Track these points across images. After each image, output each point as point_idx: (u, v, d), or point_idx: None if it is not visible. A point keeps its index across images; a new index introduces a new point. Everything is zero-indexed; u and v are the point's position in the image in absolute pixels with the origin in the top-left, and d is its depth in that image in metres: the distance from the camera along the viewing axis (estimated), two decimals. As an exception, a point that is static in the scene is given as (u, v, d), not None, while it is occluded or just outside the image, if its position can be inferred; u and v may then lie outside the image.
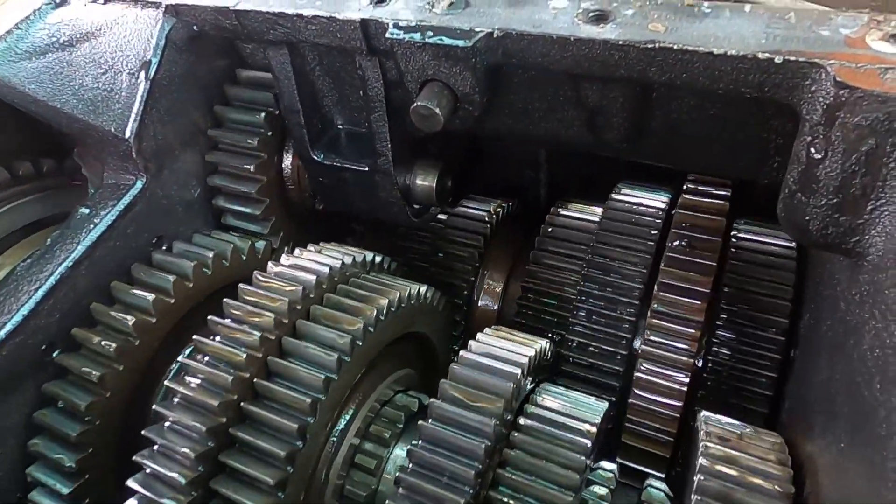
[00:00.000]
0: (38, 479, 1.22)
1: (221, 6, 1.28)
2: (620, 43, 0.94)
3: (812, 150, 0.87)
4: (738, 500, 0.93)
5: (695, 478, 0.98)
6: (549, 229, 1.60)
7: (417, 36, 1.06)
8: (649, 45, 0.92)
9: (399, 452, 1.21)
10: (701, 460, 1.01)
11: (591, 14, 1.00)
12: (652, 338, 1.27)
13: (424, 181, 1.52)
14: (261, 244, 1.53)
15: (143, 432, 1.12)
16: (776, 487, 0.96)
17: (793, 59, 0.85)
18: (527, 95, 1.17)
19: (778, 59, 0.86)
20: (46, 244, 1.30)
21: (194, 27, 1.37)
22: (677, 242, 1.32)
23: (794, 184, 0.93)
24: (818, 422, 1.02)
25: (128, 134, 1.33)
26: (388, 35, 1.09)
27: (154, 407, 1.16)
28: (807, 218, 0.92)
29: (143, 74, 1.35)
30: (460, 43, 1.03)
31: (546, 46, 0.99)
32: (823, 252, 1.13)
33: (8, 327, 1.17)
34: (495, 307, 1.69)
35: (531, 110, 1.21)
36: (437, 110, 1.08)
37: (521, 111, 1.21)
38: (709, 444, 1.04)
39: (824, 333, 1.08)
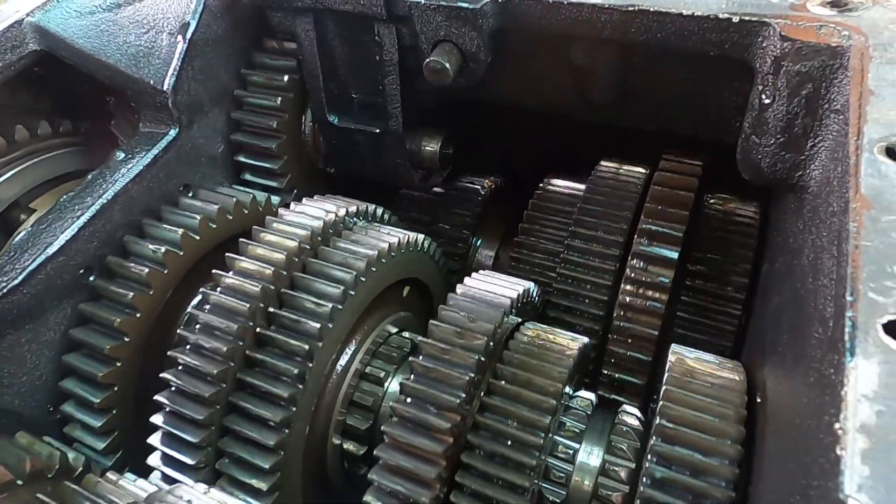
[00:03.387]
0: (71, 391, 1.34)
1: (256, -24, 1.45)
2: (606, 6, 1.11)
3: (763, 96, 1.04)
4: (698, 403, 1.08)
5: (662, 386, 1.13)
6: (541, 194, 1.77)
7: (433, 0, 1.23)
8: (630, 8, 1.10)
9: (399, 378, 1.35)
10: (668, 374, 1.16)
11: (582, -16, 1.17)
12: (630, 280, 1.43)
13: (429, 146, 1.68)
14: (276, 199, 1.67)
15: (169, 353, 1.26)
16: (731, 394, 1.11)
17: (747, 18, 1.02)
18: (526, 60, 1.34)
19: (735, 19, 1.03)
20: (87, 180, 1.43)
21: (230, -5, 1.53)
22: (653, 203, 1.48)
23: (749, 128, 1.10)
24: (768, 340, 1.17)
25: (165, 86, 1.48)
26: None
27: (179, 331, 1.30)
28: (759, 157, 1.09)
29: (181, 35, 1.51)
30: (469, 6, 1.20)
31: (543, 10, 1.16)
32: (778, 207, 1.31)
33: (54, 247, 1.30)
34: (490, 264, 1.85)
35: (529, 75, 1.38)
36: (448, 66, 1.24)
37: (519, 75, 1.38)
38: (675, 361, 1.19)
39: (777, 270, 1.24)
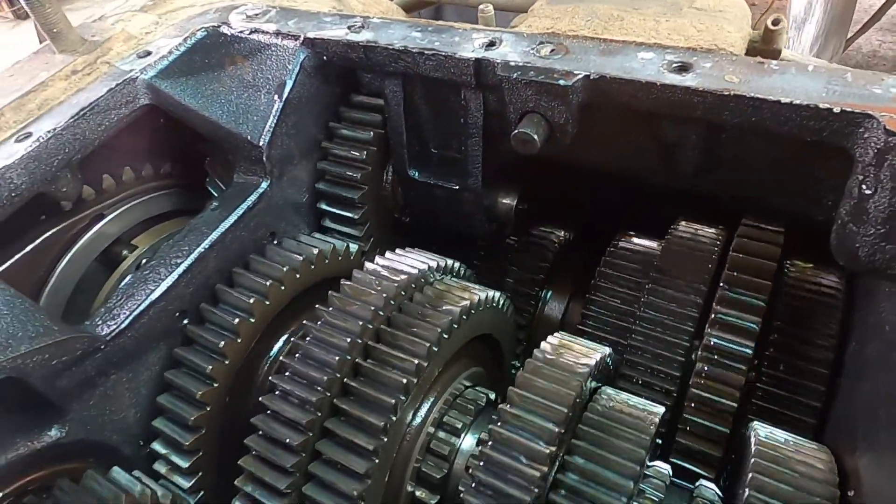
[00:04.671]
0: (161, 430, 1.42)
1: (352, 41, 1.53)
2: (700, 89, 1.12)
3: (864, 186, 1.03)
4: (786, 492, 1.06)
5: (748, 474, 1.11)
6: (614, 251, 1.78)
7: (525, 75, 1.27)
8: (725, 93, 1.11)
9: (474, 433, 1.37)
10: (753, 461, 1.13)
11: (675, 65, 1.19)
12: (709, 345, 1.41)
13: (505, 201, 1.72)
14: (354, 247, 1.74)
15: (260, 399, 1.31)
16: (821, 486, 1.08)
17: (849, 110, 1.02)
18: (611, 130, 1.36)
19: (836, 110, 1.03)
20: (186, 229, 1.53)
21: (324, 57, 1.62)
22: (733, 270, 1.47)
23: (846, 216, 1.08)
24: (861, 432, 1.14)
25: (261, 142, 1.57)
26: (499, 72, 1.30)
27: (270, 379, 1.36)
28: (857, 246, 1.07)
29: (277, 94, 1.60)
30: (561, 82, 1.23)
31: (635, 89, 1.19)
32: (869, 286, 1.27)
33: (156, 293, 1.39)
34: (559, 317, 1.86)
35: (613, 143, 1.40)
36: (536, 137, 1.28)
37: (605, 143, 1.40)
38: (760, 442, 1.17)
39: (868, 355, 1.20)
